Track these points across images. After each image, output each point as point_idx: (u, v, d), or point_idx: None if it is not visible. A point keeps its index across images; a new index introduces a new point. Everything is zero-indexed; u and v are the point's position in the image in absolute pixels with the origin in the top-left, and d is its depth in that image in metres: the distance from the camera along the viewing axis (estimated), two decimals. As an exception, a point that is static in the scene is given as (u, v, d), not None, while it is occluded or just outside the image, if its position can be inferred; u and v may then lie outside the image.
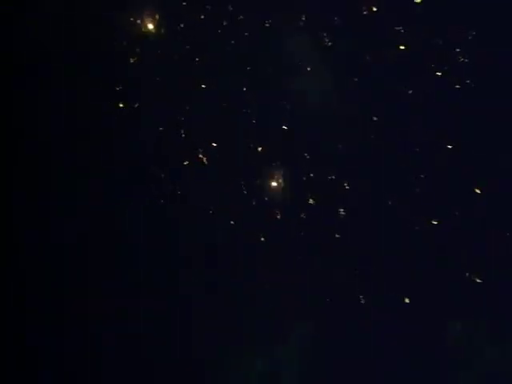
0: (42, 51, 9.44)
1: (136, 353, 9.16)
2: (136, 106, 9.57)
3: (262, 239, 9.65)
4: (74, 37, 9.48)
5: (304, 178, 9.89)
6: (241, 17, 9.93)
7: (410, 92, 10.03)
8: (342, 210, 9.81)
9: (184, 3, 9.90)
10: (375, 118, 9.97)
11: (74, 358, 9.08)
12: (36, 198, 9.27)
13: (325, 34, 10.06)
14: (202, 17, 9.90)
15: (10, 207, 9.22)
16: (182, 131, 9.73)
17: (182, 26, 9.90)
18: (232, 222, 9.60)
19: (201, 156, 9.65)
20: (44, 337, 9.08)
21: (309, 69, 9.93)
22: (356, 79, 9.95)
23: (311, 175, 9.90)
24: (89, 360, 9.09)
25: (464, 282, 9.58)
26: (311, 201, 9.85)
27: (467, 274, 9.65)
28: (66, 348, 9.08)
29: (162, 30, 9.80)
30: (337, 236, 9.76)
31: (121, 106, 9.50)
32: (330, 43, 10.09)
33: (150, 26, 9.74)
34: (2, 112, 9.32)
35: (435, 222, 9.71)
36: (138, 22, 9.68)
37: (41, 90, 9.39)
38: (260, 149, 9.91)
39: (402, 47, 10.08)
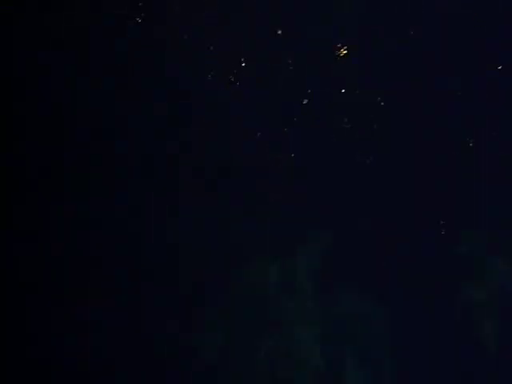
0: (42, 52, 9.44)
1: (136, 352, 9.15)
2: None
3: None
4: (73, 37, 9.49)
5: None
6: None
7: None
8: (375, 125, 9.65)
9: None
10: None
11: (74, 358, 9.06)
12: (36, 198, 9.27)
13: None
14: None
15: (10, 207, 9.22)
16: None
17: None
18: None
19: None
20: (44, 337, 9.08)
21: None
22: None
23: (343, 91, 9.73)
24: (88, 360, 9.07)
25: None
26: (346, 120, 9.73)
27: None
28: (66, 348, 9.06)
29: None
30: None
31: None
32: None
33: None
34: (2, 112, 9.33)
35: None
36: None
37: (41, 90, 9.39)
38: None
39: None
